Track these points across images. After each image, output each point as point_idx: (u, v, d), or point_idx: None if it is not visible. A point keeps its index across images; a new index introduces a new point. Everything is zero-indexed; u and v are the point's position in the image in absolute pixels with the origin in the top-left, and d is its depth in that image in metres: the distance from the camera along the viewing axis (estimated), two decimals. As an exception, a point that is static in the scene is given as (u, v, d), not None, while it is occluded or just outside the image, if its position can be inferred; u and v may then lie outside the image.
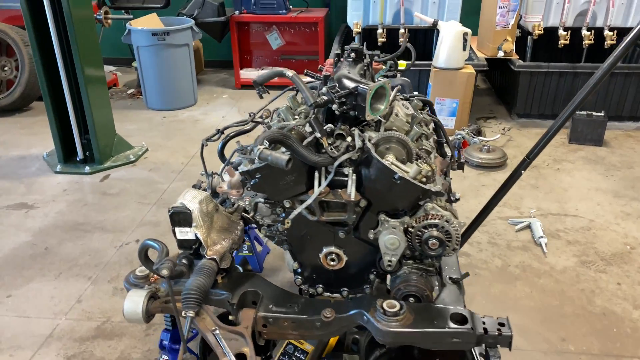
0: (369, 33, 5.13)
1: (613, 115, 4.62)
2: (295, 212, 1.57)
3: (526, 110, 4.85)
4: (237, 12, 5.62)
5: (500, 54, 4.69)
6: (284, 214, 1.70)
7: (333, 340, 2.05)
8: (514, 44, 4.75)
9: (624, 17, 4.80)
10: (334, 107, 1.55)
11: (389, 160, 1.52)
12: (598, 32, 4.80)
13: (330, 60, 2.09)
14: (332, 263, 1.74)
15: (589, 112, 4.35)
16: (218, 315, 1.87)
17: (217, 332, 1.74)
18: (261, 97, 1.81)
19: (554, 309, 2.56)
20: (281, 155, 1.39)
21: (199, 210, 1.88)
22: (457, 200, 1.66)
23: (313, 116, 1.52)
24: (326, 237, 1.72)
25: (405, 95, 2.02)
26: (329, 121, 1.66)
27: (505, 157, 4.05)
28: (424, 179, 1.55)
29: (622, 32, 4.91)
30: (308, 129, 1.59)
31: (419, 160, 1.58)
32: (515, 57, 4.73)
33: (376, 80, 1.94)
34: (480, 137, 4.28)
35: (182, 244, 1.93)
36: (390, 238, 1.59)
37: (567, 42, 4.77)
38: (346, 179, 1.59)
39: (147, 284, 1.96)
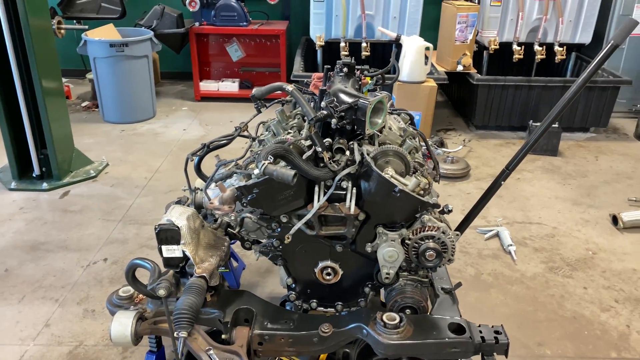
0: (329, 46, 5.18)
1: (565, 126, 4.84)
2: (296, 227, 1.56)
3: (484, 122, 5.02)
4: (196, 24, 5.54)
5: (460, 68, 4.84)
6: (279, 229, 1.68)
7: (323, 356, 2.03)
8: (472, 58, 4.91)
9: (572, 34, 5.06)
10: (333, 121, 1.55)
11: (389, 173, 1.53)
12: (549, 47, 5.04)
13: (318, 74, 2.10)
14: (327, 277, 1.73)
15: (544, 124, 4.53)
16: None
17: (212, 352, 1.70)
18: (259, 112, 1.79)
19: (528, 315, 2.64)
20: (287, 171, 1.37)
21: (187, 227, 1.83)
22: (449, 212, 1.69)
23: (314, 131, 1.52)
24: (322, 252, 1.71)
25: (390, 109, 2.05)
26: (323, 135, 1.66)
27: (468, 167, 4.16)
28: (422, 192, 1.57)
29: (570, 47, 5.18)
30: (305, 143, 1.59)
31: (417, 173, 1.61)
32: (473, 70, 4.89)
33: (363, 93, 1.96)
34: (443, 149, 4.39)
35: (168, 262, 1.87)
36: (389, 251, 1.60)
37: (521, 56, 4.98)
38: (344, 192, 1.59)
39: (132, 304, 1.89)
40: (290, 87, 1.58)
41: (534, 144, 2.18)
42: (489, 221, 3.49)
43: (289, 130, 1.76)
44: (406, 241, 1.62)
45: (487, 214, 3.58)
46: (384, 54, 5.68)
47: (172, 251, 1.86)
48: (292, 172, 1.37)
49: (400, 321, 1.56)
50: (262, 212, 1.65)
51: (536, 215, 3.60)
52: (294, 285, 1.79)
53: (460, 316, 1.69)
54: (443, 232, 1.60)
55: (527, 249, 3.20)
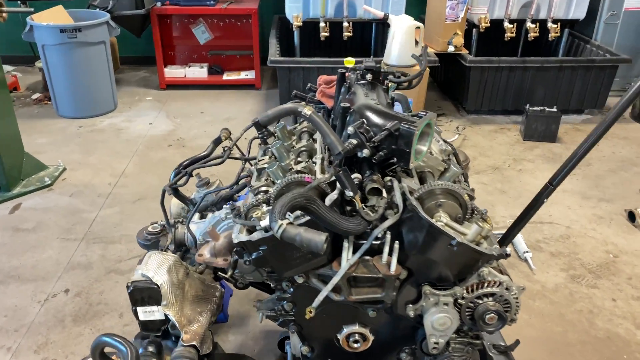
0: (305, 26, 4.72)
1: (560, 109, 4.55)
2: (321, 296, 1.17)
3: (476, 107, 4.69)
4: (158, 4, 4.99)
5: (451, 49, 4.46)
6: (292, 289, 1.29)
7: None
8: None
9: (565, 9, 4.74)
10: (364, 152, 1.15)
11: (442, 221, 1.16)
12: (541, 25, 4.71)
13: (326, 78, 1.69)
14: (355, 345, 1.36)
15: (542, 108, 4.24)
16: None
17: None
18: (266, 143, 1.38)
19: (558, 337, 2.35)
20: (314, 236, 0.98)
21: (169, 284, 1.44)
22: (508, 256, 1.32)
23: (341, 169, 1.12)
24: (348, 315, 1.33)
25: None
26: (346, 165, 1.26)
27: (467, 160, 3.84)
28: (482, 240, 1.21)
29: (563, 23, 4.87)
30: (323, 177, 1.19)
31: (475, 216, 1.24)
32: (465, 51, 4.53)
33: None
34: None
35: (146, 326, 1.48)
36: (440, 317, 1.24)
37: (514, 34, 4.64)
38: (378, 243, 1.21)
39: (102, 384, 1.48)
40: (308, 111, 1.18)
41: (585, 154, 1.86)
42: (497, 222, 3.18)
43: (299, 159, 1.35)
44: (459, 300, 1.25)
45: (493, 214, 3.27)
46: (364, 34, 5.28)
47: (150, 314, 1.46)
48: (323, 237, 0.98)
49: (457, 407, 1.21)
50: (269, 270, 1.26)
51: (546, 212, 3.30)
52: (310, 354, 1.41)
53: (524, 387, 1.35)
54: (507, 289, 1.24)
55: (544, 255, 2.90)
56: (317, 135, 1.41)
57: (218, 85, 5.30)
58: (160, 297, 1.42)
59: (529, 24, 4.68)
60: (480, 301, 1.25)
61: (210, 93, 5.23)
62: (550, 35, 4.71)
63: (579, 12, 4.77)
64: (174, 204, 2.06)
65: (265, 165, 1.41)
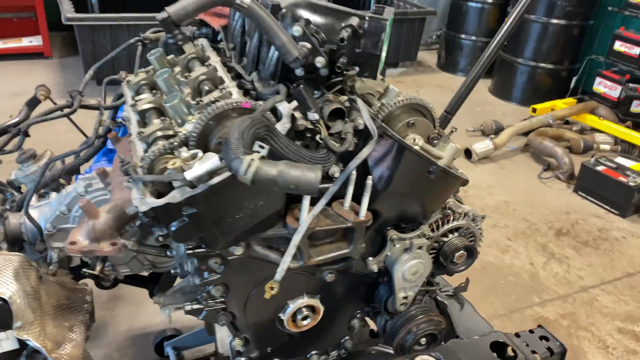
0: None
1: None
2: (284, 264, 0.84)
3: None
4: None
5: None
6: (223, 267, 0.94)
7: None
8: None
9: (373, -35, 4.85)
10: (319, 61, 0.85)
11: (418, 144, 0.92)
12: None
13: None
14: (304, 323, 1.06)
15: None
16: None
17: None
18: (181, 52, 0.95)
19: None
20: (305, 171, 0.66)
21: (22, 294, 0.97)
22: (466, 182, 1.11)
23: (301, 86, 0.80)
24: (294, 286, 1.03)
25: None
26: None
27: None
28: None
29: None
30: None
31: (445, 136, 1.02)
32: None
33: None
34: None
35: (-12, 364, 0.99)
36: (413, 265, 1.01)
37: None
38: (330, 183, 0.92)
39: None
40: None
41: (475, 82, 1.78)
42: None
43: (206, 88, 0.97)
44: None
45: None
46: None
47: (-5, 345, 0.97)
48: (317, 171, 0.67)
49: (443, 367, 1.01)
50: (191, 246, 0.88)
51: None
52: (244, 347, 1.07)
53: (490, 325, 1.22)
54: (473, 219, 1.07)
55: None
56: (214, 61, 1.03)
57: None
58: (10, 318, 0.94)
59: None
60: (445, 239, 1.06)
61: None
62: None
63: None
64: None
65: (148, 106, 1.00)
